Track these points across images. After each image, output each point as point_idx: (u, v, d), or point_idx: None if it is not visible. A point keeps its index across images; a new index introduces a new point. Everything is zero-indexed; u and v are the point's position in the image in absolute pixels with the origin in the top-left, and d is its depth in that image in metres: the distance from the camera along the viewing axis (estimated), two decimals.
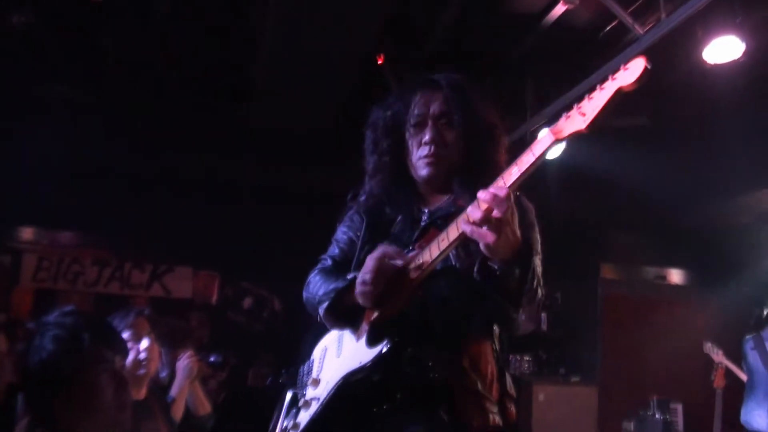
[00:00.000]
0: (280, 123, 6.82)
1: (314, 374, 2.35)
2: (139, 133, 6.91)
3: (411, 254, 2.11)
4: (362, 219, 2.47)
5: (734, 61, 4.78)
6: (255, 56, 5.84)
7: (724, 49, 4.73)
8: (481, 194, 1.85)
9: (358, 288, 2.09)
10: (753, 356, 6.54)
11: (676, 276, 9.20)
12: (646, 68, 1.66)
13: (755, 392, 6.49)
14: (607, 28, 5.51)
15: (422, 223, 2.32)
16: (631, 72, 1.68)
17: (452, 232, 2.00)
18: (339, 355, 2.29)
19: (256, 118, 6.87)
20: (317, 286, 2.36)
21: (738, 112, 5.89)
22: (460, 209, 2.09)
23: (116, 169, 7.16)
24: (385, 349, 2.05)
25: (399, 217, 2.40)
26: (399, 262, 2.07)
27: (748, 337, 6.67)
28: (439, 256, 2.03)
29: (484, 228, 1.84)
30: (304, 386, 2.35)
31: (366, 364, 2.08)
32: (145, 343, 3.79)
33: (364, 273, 2.07)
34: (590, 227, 8.61)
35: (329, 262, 2.50)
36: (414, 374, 2.08)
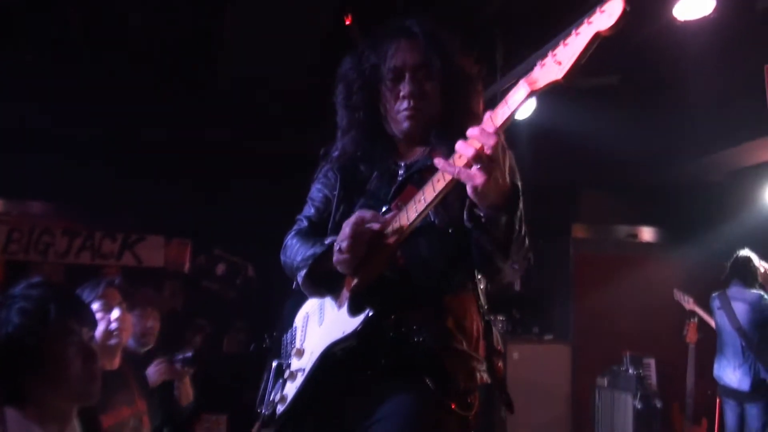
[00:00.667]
0: (250, 87, 6.73)
1: (298, 344, 2.31)
2: (108, 101, 6.78)
3: (388, 216, 2.04)
4: (336, 176, 2.38)
5: (704, 18, 4.76)
6: (222, 18, 5.73)
7: (694, 5, 4.71)
8: (471, 131, 1.74)
9: (336, 256, 2.03)
10: (720, 315, 6.67)
11: (647, 234, 9.28)
12: (624, 10, 1.52)
13: (725, 350, 6.62)
14: None
15: (399, 178, 2.25)
16: (608, 15, 1.55)
17: (428, 193, 1.91)
18: (321, 324, 2.23)
19: (225, 82, 6.78)
20: (294, 251, 2.30)
21: (708, 69, 5.90)
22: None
23: (84, 137, 7.06)
24: (367, 317, 1.99)
25: (374, 173, 2.32)
26: (375, 226, 1.99)
27: (714, 295, 6.78)
28: (416, 218, 1.95)
29: (474, 168, 1.73)
30: (288, 356, 2.31)
31: (348, 333, 2.02)
32: (115, 313, 3.77)
33: (341, 240, 2.00)
34: (561, 187, 8.64)
35: (305, 223, 2.43)
36: (398, 339, 2.03)
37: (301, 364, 2.21)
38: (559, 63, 1.63)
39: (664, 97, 6.73)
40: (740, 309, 6.47)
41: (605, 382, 8.00)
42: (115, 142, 7.20)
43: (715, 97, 6.41)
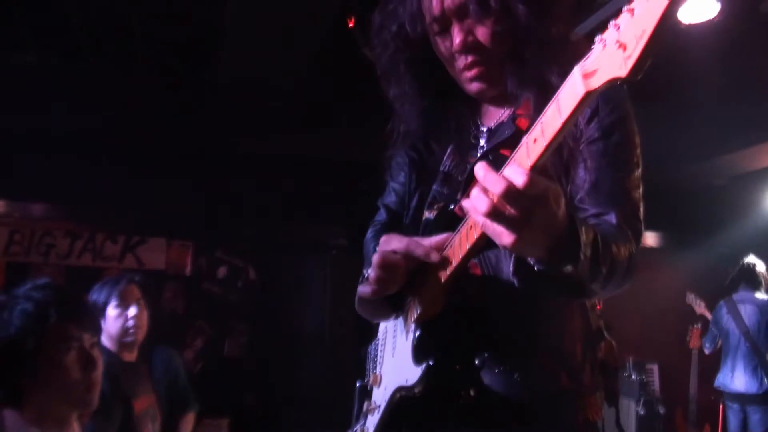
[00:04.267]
0: (251, 87, 6.71)
1: (377, 367, 1.92)
2: (109, 102, 6.77)
3: (440, 238, 1.58)
4: (406, 160, 1.97)
5: (709, 21, 4.75)
6: (221, 17, 5.70)
7: (699, 8, 4.70)
8: (481, 172, 1.22)
9: (361, 288, 1.69)
10: (727, 320, 6.66)
11: (650, 239, 9.24)
12: None
13: (731, 355, 6.61)
14: None
15: (479, 150, 1.78)
16: None
17: (464, 242, 1.46)
18: (393, 353, 1.82)
19: (225, 83, 6.75)
20: (366, 253, 1.94)
21: (712, 72, 5.87)
22: (520, 130, 1.63)
23: (86, 138, 7.04)
24: (428, 367, 1.60)
25: (449, 148, 1.85)
26: (418, 252, 1.57)
27: (721, 302, 6.78)
28: (464, 261, 1.50)
29: (500, 225, 1.23)
30: (369, 380, 1.94)
31: (412, 383, 1.63)
32: (132, 311, 3.84)
33: (371, 268, 1.63)
34: None
35: (383, 214, 2.05)
36: (475, 389, 1.62)
37: (378, 397, 1.83)
38: (624, 47, 0.98)
39: (668, 101, 6.69)
40: (748, 311, 6.47)
41: None
42: (117, 144, 7.18)
43: (719, 101, 6.39)
